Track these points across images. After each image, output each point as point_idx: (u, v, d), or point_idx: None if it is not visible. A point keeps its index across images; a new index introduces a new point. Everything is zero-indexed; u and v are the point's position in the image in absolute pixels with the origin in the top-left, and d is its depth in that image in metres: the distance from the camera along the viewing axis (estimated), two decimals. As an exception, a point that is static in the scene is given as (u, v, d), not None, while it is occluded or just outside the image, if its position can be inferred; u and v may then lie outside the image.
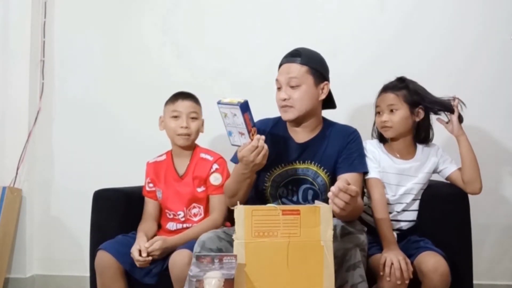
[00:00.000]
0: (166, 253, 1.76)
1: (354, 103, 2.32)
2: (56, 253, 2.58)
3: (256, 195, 1.78)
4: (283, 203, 1.75)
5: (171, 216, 1.97)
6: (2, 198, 2.41)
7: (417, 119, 1.85)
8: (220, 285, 1.07)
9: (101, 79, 2.58)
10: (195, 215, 1.94)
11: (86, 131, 2.57)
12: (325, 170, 1.73)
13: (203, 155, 1.98)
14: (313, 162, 1.74)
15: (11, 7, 2.57)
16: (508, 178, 2.30)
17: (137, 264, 1.72)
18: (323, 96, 1.72)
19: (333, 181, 1.69)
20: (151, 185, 2.02)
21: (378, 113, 1.87)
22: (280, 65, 1.74)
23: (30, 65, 2.57)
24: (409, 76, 1.87)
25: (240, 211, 1.19)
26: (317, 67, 1.70)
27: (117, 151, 2.50)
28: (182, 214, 1.94)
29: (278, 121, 1.80)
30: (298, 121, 1.73)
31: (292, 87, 1.67)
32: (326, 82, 1.72)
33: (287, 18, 2.45)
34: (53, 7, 2.63)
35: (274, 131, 1.78)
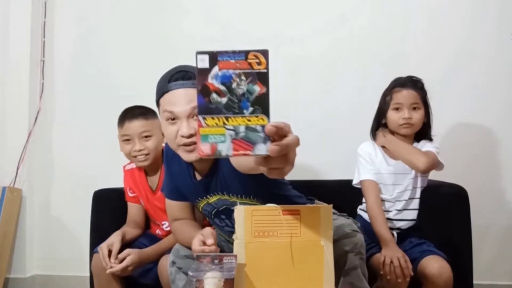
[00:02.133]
0: (141, 266, 1.72)
1: (355, 103, 2.32)
2: (56, 253, 2.58)
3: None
4: (229, 232, 1.54)
5: (157, 223, 1.97)
6: (2, 198, 2.41)
7: (425, 120, 1.86)
8: (220, 285, 1.07)
9: (101, 79, 2.58)
10: None
11: (86, 131, 2.57)
12: (239, 195, 1.49)
13: None
14: (220, 193, 1.51)
15: (11, 7, 2.57)
16: (508, 178, 2.30)
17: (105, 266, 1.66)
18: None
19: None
20: (131, 191, 1.98)
21: (396, 109, 1.83)
22: (167, 92, 1.40)
23: (30, 65, 2.57)
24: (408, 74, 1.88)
25: (240, 211, 1.19)
26: None
27: (117, 151, 2.49)
28: (167, 224, 1.91)
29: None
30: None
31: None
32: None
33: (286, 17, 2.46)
34: (53, 7, 2.63)
35: (176, 163, 1.56)
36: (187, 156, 1.41)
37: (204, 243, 1.32)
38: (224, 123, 0.89)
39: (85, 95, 2.58)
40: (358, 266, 1.37)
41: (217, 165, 1.47)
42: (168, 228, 1.91)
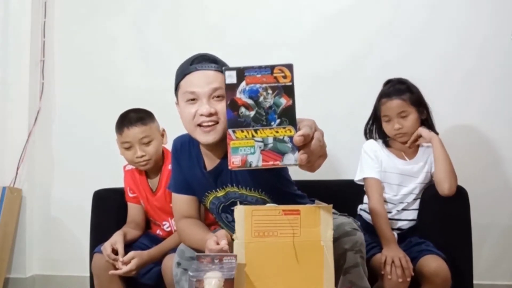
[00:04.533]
0: (144, 267, 1.73)
1: (355, 103, 2.32)
2: (56, 253, 2.58)
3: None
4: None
5: (157, 224, 1.96)
6: (2, 198, 2.41)
7: (423, 117, 1.85)
8: (220, 285, 1.07)
9: (100, 79, 2.58)
10: None
11: (86, 131, 2.57)
12: (248, 188, 1.49)
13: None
14: (229, 185, 1.51)
15: (11, 7, 2.57)
16: (508, 178, 2.29)
17: (110, 261, 1.68)
18: None
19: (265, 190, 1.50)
20: (131, 191, 1.98)
21: (387, 121, 1.85)
22: (188, 73, 1.43)
23: (30, 65, 2.57)
24: (419, 80, 1.88)
25: (240, 211, 1.19)
26: None
27: (117, 151, 2.49)
28: (167, 224, 1.91)
29: (192, 141, 1.55)
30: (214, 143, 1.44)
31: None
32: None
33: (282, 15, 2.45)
34: (53, 7, 2.63)
35: (186, 156, 1.57)
36: (204, 137, 1.40)
37: (218, 244, 1.32)
38: (253, 135, 0.94)
39: (85, 95, 2.58)
40: (359, 264, 1.37)
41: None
42: (169, 229, 1.91)
